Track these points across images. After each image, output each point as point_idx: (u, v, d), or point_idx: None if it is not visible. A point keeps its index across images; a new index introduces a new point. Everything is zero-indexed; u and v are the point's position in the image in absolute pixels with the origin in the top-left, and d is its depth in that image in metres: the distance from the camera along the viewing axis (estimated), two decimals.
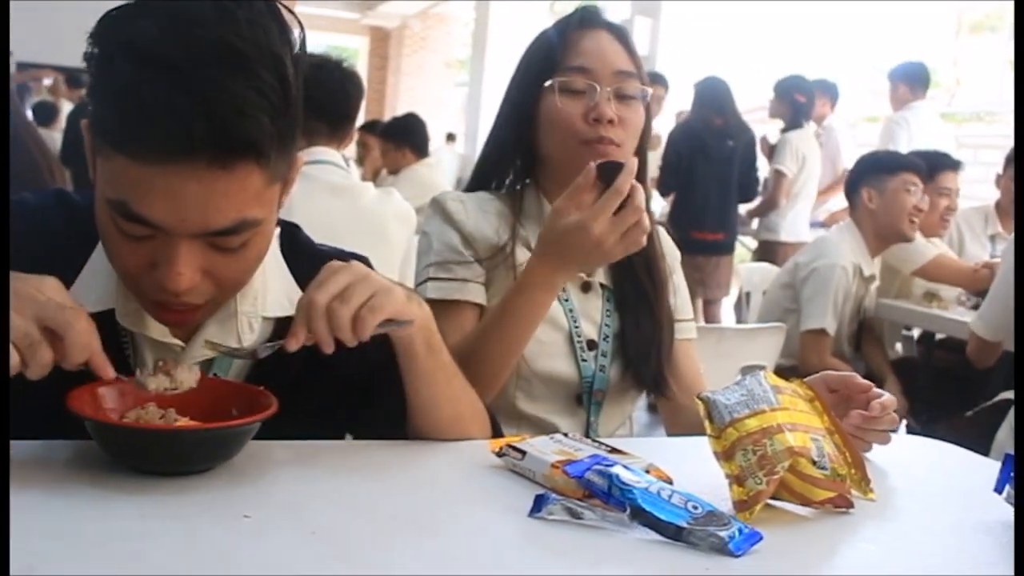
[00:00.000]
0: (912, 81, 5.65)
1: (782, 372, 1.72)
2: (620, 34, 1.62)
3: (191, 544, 0.89)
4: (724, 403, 1.13)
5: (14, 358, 0.93)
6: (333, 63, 2.45)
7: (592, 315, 1.63)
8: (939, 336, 3.72)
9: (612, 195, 1.37)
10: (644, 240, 1.41)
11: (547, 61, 1.60)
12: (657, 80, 5.81)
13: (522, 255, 1.59)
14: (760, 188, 5.76)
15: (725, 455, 1.10)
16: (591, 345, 1.61)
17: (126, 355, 1.18)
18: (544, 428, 1.57)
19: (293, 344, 1.07)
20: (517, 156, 1.67)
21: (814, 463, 1.10)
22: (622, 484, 1.01)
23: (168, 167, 0.98)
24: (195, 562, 0.85)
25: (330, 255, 1.28)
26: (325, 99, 2.39)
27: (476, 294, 1.59)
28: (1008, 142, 6.18)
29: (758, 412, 1.11)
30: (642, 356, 1.62)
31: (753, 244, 6.09)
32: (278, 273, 1.25)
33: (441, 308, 1.54)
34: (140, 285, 1.09)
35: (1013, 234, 2.94)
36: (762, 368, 1.37)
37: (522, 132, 1.63)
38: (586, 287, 1.64)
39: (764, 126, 6.33)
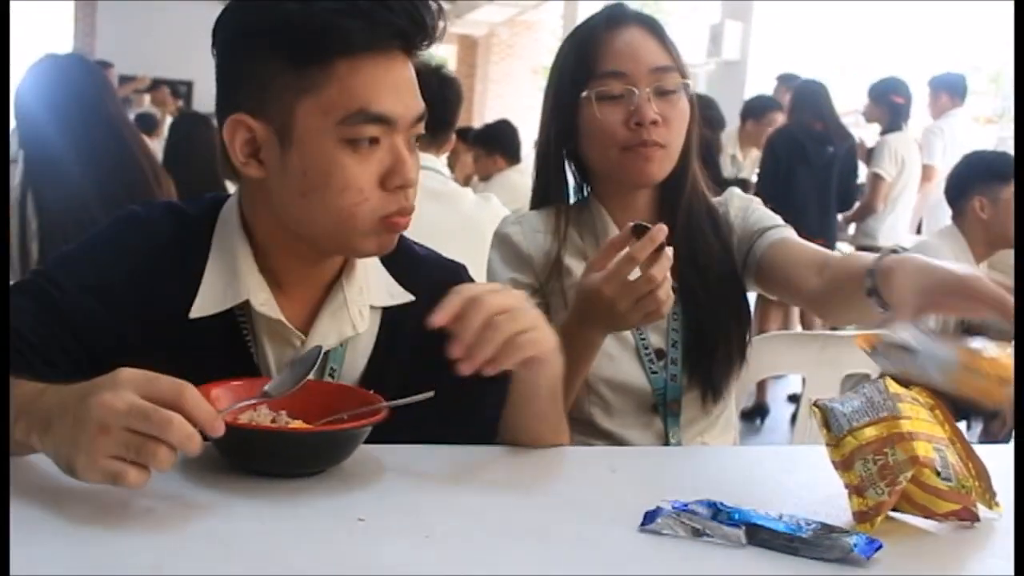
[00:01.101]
0: (952, 90, 5.77)
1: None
2: (652, 26, 1.56)
3: (310, 545, 0.90)
4: (842, 411, 1.09)
5: (130, 471, 0.88)
6: (431, 69, 2.46)
7: (659, 324, 1.57)
8: None
9: (625, 260, 1.32)
10: (663, 311, 1.34)
11: (580, 68, 1.54)
12: (769, 106, 5.81)
13: (576, 267, 1.57)
14: (858, 194, 5.64)
15: (843, 464, 1.07)
16: (659, 355, 1.57)
17: (250, 351, 1.21)
18: (620, 441, 1.55)
19: (441, 319, 1.05)
20: (566, 170, 1.63)
21: (938, 474, 1.06)
22: (728, 507, 1.00)
23: (386, 57, 1.11)
24: (315, 563, 0.86)
25: (424, 256, 1.34)
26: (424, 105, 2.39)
27: None
28: None
29: (878, 420, 1.08)
30: (705, 365, 1.57)
31: (849, 250, 5.96)
32: (375, 264, 1.28)
33: None
34: (370, 208, 1.13)
35: None
36: (866, 376, 1.33)
37: (567, 145, 1.60)
38: None
39: (857, 130, 6.20)
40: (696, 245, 1.57)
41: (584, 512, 1.04)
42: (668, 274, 1.31)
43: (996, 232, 3.24)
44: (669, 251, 1.31)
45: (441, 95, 2.47)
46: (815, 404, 1.12)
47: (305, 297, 1.23)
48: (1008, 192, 3.19)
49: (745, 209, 1.66)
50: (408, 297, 1.28)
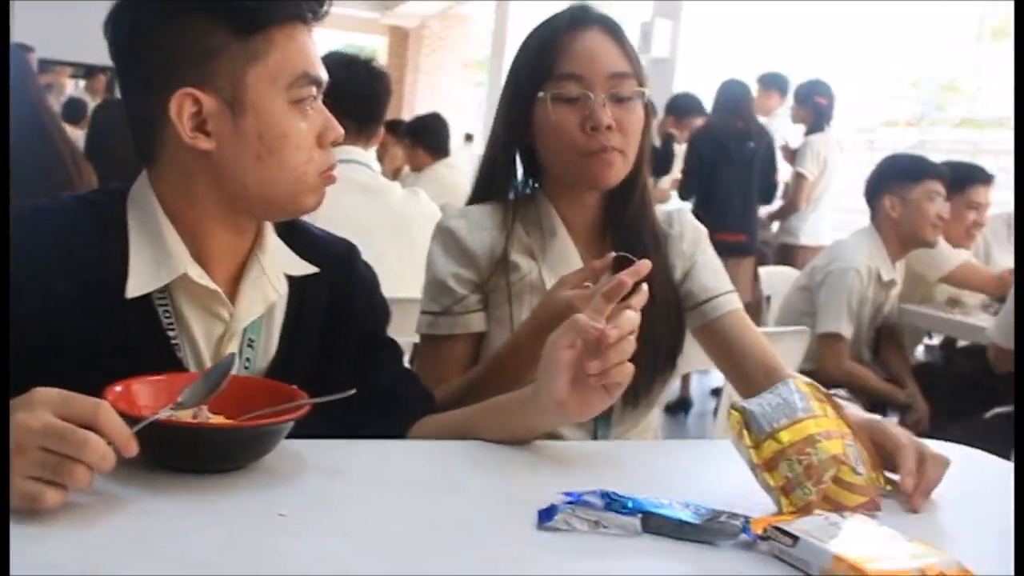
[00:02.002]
0: (781, 89, 6.29)
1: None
2: (613, 30, 1.56)
3: (230, 542, 0.90)
4: (761, 412, 1.12)
5: (47, 492, 0.88)
6: (361, 62, 2.45)
7: None
8: (961, 343, 3.71)
9: (609, 286, 1.34)
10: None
11: (538, 67, 1.55)
12: (693, 109, 5.91)
13: (524, 263, 1.59)
14: (780, 192, 5.75)
15: (766, 466, 1.09)
16: None
17: (170, 339, 1.22)
18: (551, 437, 1.56)
19: None
20: (515, 166, 1.64)
21: (853, 469, 1.10)
22: (621, 497, 1.02)
23: (305, 25, 1.22)
24: (235, 560, 0.86)
25: (319, 233, 1.40)
26: (353, 98, 2.38)
27: (466, 326, 1.59)
28: None
29: (797, 420, 1.11)
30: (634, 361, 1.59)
31: (774, 247, 6.07)
32: (277, 239, 1.33)
33: (432, 341, 1.61)
34: (315, 165, 1.23)
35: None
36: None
37: (521, 142, 1.61)
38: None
39: (779, 126, 6.32)
40: (635, 252, 1.56)
41: (495, 507, 1.06)
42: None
43: (906, 230, 3.35)
44: (644, 288, 1.33)
45: (371, 88, 2.45)
46: (734, 407, 1.14)
47: (225, 273, 1.27)
48: (916, 192, 3.31)
49: (697, 244, 1.69)
50: (313, 268, 1.33)
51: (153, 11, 1.18)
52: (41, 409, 0.89)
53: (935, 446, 1.23)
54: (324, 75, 1.24)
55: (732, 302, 1.65)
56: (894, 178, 3.41)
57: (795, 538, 0.95)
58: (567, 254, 1.60)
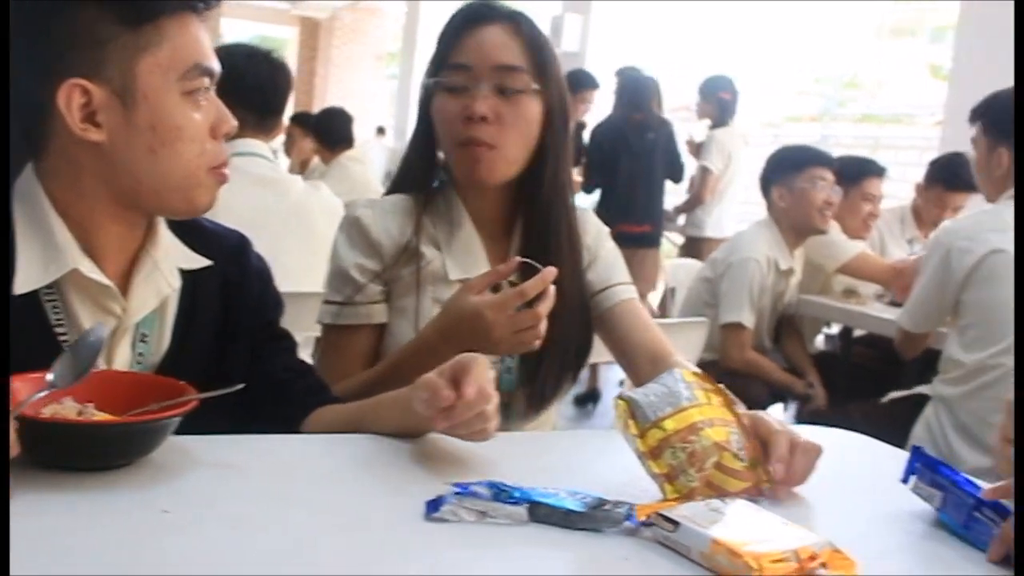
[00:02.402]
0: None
1: (704, 366, 1.75)
2: (517, 27, 1.55)
3: (114, 541, 0.89)
4: (647, 402, 1.14)
5: None
6: (261, 54, 2.42)
7: None
8: (858, 332, 3.82)
9: (516, 294, 1.37)
10: (536, 344, 1.41)
11: (436, 58, 1.57)
12: (585, 83, 5.87)
13: (429, 253, 1.59)
14: (687, 185, 5.84)
15: (652, 454, 1.12)
16: None
17: (59, 336, 1.20)
18: None
19: None
20: (421, 156, 1.64)
21: (736, 456, 1.13)
22: (508, 487, 1.03)
23: (196, 15, 1.21)
24: (117, 558, 0.85)
25: (210, 226, 1.39)
26: (253, 90, 2.35)
27: (369, 316, 1.59)
28: (925, 143, 6.37)
29: (681, 409, 1.14)
30: (536, 371, 1.60)
31: (679, 240, 6.17)
32: (169, 232, 1.31)
33: (335, 332, 1.60)
34: (207, 159, 1.22)
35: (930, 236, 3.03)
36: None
37: (424, 133, 1.62)
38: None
39: (691, 124, 6.42)
40: (549, 254, 1.57)
41: (385, 500, 1.06)
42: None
43: (796, 218, 3.45)
44: (552, 291, 1.36)
45: (271, 80, 2.42)
46: (619, 397, 1.16)
47: (117, 268, 1.25)
48: (801, 180, 3.41)
49: (599, 239, 1.70)
50: (206, 261, 1.32)
51: (41, 2, 1.15)
52: None
53: (822, 433, 1.26)
54: (217, 66, 1.23)
55: (626, 292, 1.67)
56: (780, 169, 3.50)
57: (676, 524, 0.97)
58: (471, 246, 1.61)
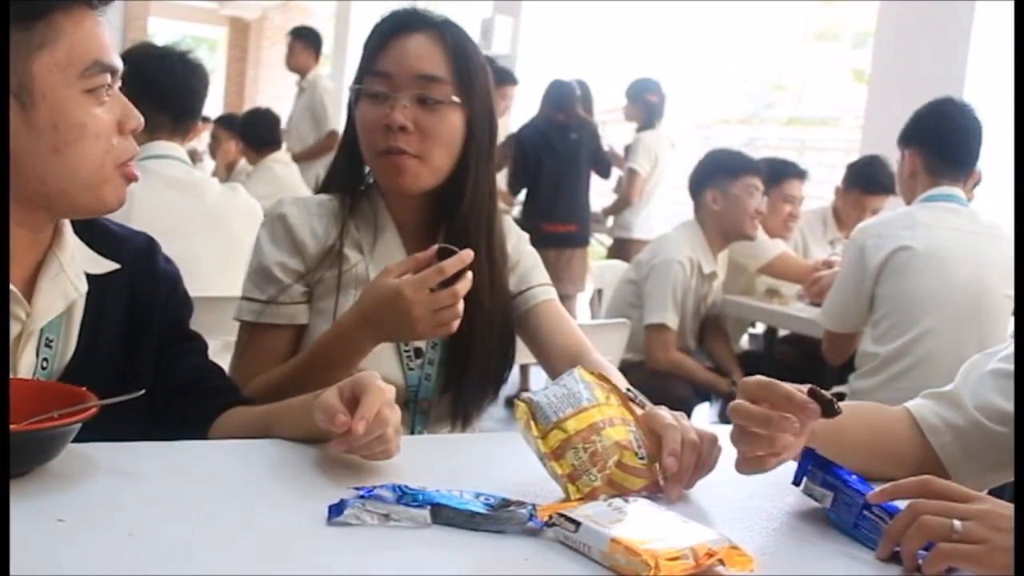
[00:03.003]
0: None
1: (629, 367, 1.76)
2: (441, 36, 1.54)
3: (10, 549, 0.86)
4: (547, 403, 1.15)
5: None
6: (176, 54, 2.38)
7: None
8: (782, 332, 3.88)
9: (433, 271, 1.37)
10: (454, 326, 1.41)
11: (361, 66, 1.57)
12: (504, 79, 5.87)
13: (353, 256, 1.59)
14: (615, 186, 5.89)
15: (554, 455, 1.12)
16: (418, 353, 1.60)
17: None
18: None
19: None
20: (352, 161, 1.63)
21: (636, 454, 1.14)
22: (412, 490, 1.04)
23: (92, 10, 1.19)
24: (14, 568, 0.83)
25: (117, 229, 1.37)
26: (167, 91, 2.32)
27: (289, 316, 1.58)
28: (849, 146, 6.50)
29: (581, 410, 1.14)
30: (466, 368, 1.60)
31: (608, 242, 6.22)
32: (74, 236, 1.30)
33: (254, 330, 1.59)
34: (114, 156, 1.20)
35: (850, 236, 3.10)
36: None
37: (350, 137, 1.61)
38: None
39: (621, 126, 6.48)
40: (471, 266, 1.57)
41: (288, 505, 1.05)
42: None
43: (727, 223, 3.49)
44: (469, 275, 1.37)
45: (186, 82, 2.39)
46: (518, 398, 1.17)
47: (20, 271, 1.23)
48: (736, 187, 3.46)
49: (518, 244, 1.71)
50: (113, 265, 1.31)
51: None
52: None
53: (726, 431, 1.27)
54: (118, 62, 1.21)
55: (544, 293, 1.69)
56: (716, 173, 3.54)
57: (577, 524, 0.98)
58: (394, 251, 1.61)
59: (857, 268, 2.84)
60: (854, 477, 1.13)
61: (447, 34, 1.55)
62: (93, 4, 1.19)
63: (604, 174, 5.71)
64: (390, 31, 1.55)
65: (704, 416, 4.17)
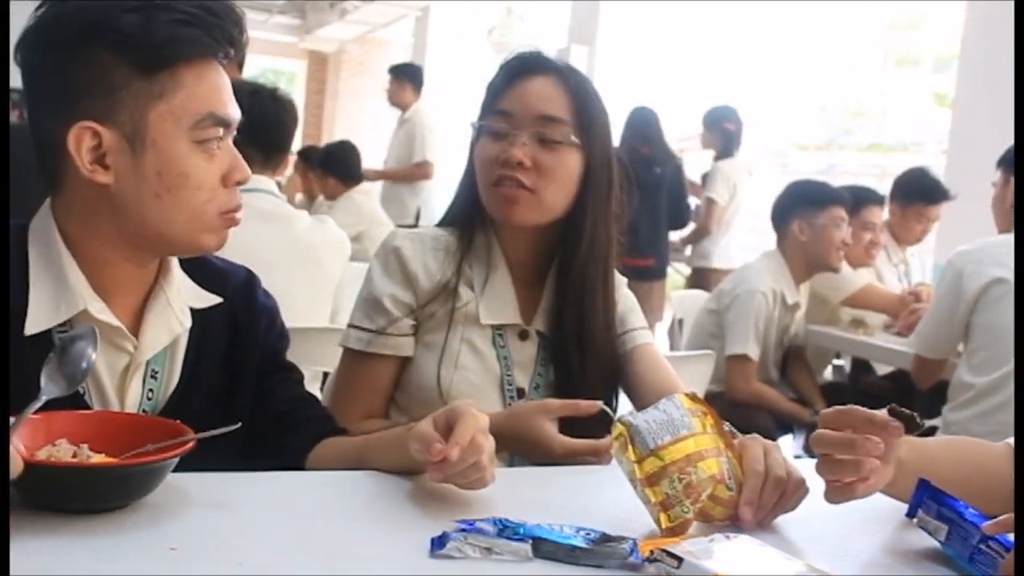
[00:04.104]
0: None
1: (710, 398, 1.74)
2: (565, 80, 1.57)
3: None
4: (646, 428, 1.14)
5: None
6: (267, 91, 2.45)
7: (526, 364, 1.62)
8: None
9: (590, 450, 1.42)
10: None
11: (484, 103, 1.61)
12: None
13: (466, 294, 1.61)
14: (692, 216, 5.85)
15: (648, 481, 1.12)
16: (521, 394, 1.61)
17: None
18: None
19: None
20: (470, 197, 1.64)
21: (727, 487, 1.14)
22: (513, 523, 1.04)
23: (218, 63, 1.23)
24: None
25: (219, 264, 1.40)
26: (258, 126, 2.37)
27: (396, 348, 1.60)
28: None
29: (680, 438, 1.14)
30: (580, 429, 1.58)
31: (686, 271, 6.18)
32: (180, 271, 1.33)
33: (359, 358, 1.60)
34: (216, 205, 1.22)
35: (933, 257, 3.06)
36: None
37: (469, 174, 1.64)
38: (523, 334, 1.62)
39: (697, 155, 6.44)
40: (583, 309, 1.60)
41: (390, 536, 1.06)
42: None
43: (813, 254, 3.44)
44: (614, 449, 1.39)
45: (276, 117, 2.45)
46: (619, 420, 1.17)
47: (129, 304, 1.26)
48: (823, 217, 3.41)
49: (619, 286, 1.71)
50: (216, 299, 1.34)
51: (60, 40, 1.17)
52: None
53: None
54: (235, 114, 1.24)
55: (642, 337, 1.69)
56: (802, 203, 3.49)
57: (680, 559, 0.97)
58: (504, 292, 1.62)
59: (953, 293, 2.79)
60: (971, 510, 1.10)
61: (569, 78, 1.58)
62: (217, 57, 1.22)
63: (680, 223, 5.65)
64: (514, 73, 1.59)
65: (787, 448, 4.10)
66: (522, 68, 1.59)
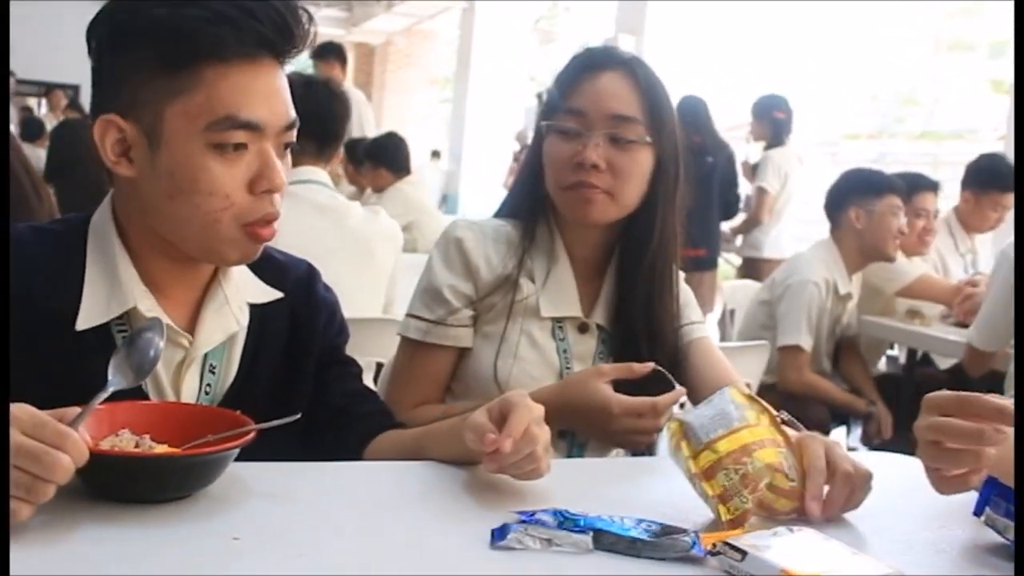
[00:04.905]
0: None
1: (762, 389, 1.72)
2: (633, 75, 1.55)
3: (186, 567, 0.90)
4: (699, 424, 1.14)
5: (22, 508, 0.90)
6: (320, 82, 2.46)
7: (585, 356, 1.61)
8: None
9: (649, 404, 1.41)
10: (641, 447, 1.47)
11: (552, 98, 1.58)
12: None
13: (527, 287, 1.60)
14: (743, 205, 5.79)
15: (705, 475, 1.11)
16: None
17: None
18: None
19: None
20: (528, 190, 1.64)
21: (787, 476, 1.12)
22: (573, 515, 1.03)
23: (254, 64, 1.15)
24: None
25: (280, 257, 1.39)
26: (312, 118, 2.38)
27: (455, 338, 1.60)
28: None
29: (733, 431, 1.13)
30: None
31: (737, 261, 6.12)
32: (242, 266, 1.31)
33: (417, 348, 1.61)
34: (234, 214, 1.16)
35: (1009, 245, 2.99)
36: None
37: (533, 168, 1.62)
38: (583, 327, 1.62)
39: (747, 144, 6.38)
40: (651, 303, 1.59)
41: (450, 527, 1.06)
42: None
43: (869, 243, 3.38)
44: (675, 408, 1.40)
45: (330, 108, 2.46)
46: (671, 419, 1.16)
47: (185, 299, 1.26)
48: (880, 205, 3.35)
49: (684, 296, 1.69)
50: (277, 294, 1.33)
51: (106, 34, 1.18)
52: (12, 428, 0.90)
53: (890, 460, 1.23)
54: (267, 118, 1.16)
55: (699, 331, 1.68)
56: (859, 191, 3.43)
57: (743, 553, 0.96)
58: (566, 284, 1.62)
59: (1008, 284, 2.73)
60: None
61: (638, 72, 1.56)
62: (249, 56, 1.15)
63: (730, 214, 5.60)
64: (583, 68, 1.57)
65: (841, 440, 4.05)
66: (591, 63, 1.57)
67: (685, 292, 1.71)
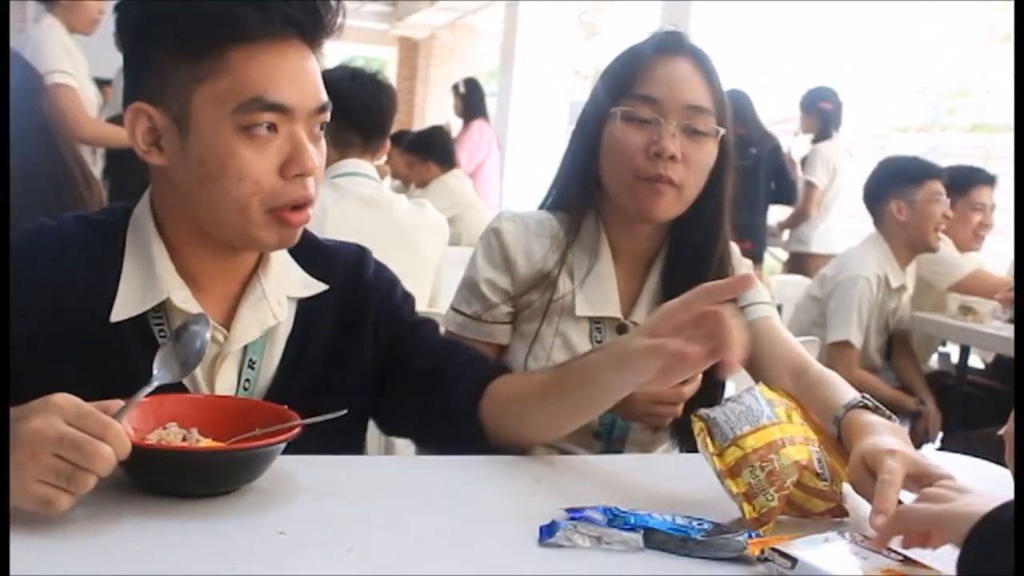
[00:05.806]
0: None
1: None
2: (703, 64, 1.51)
3: (232, 560, 0.90)
4: (724, 420, 1.12)
5: (62, 497, 0.89)
6: (367, 75, 2.45)
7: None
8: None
9: (674, 394, 1.40)
10: (665, 423, 1.48)
11: (618, 84, 1.52)
12: None
13: (564, 285, 1.56)
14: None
15: (730, 473, 1.09)
16: None
17: None
18: (559, 452, 1.53)
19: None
20: (580, 179, 1.59)
21: (818, 475, 1.10)
22: (623, 513, 1.01)
23: (282, 45, 1.13)
24: None
25: (330, 245, 1.36)
26: (359, 111, 2.39)
27: (489, 335, 1.58)
28: None
29: (759, 427, 1.11)
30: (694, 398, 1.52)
31: (783, 256, 6.05)
32: (287, 257, 1.30)
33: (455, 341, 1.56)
34: (263, 199, 1.14)
35: None
36: None
37: (587, 156, 1.57)
38: (622, 328, 1.57)
39: (795, 138, 6.30)
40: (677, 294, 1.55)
41: (498, 524, 1.05)
42: None
43: (913, 234, 3.32)
44: (698, 380, 1.37)
45: (376, 101, 2.46)
46: (696, 415, 1.14)
47: (223, 293, 1.25)
48: (921, 193, 3.28)
49: (739, 263, 1.65)
50: (322, 287, 1.30)
51: (130, 22, 1.18)
52: (56, 415, 0.90)
53: (951, 461, 1.19)
54: (296, 99, 1.14)
55: (764, 310, 1.62)
56: (898, 181, 3.37)
57: (793, 560, 0.94)
58: (605, 284, 1.58)
59: None
60: None
61: (707, 62, 1.53)
62: (274, 37, 1.13)
63: (788, 199, 5.53)
64: (656, 52, 1.51)
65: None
66: (665, 48, 1.51)
67: (744, 264, 1.66)
